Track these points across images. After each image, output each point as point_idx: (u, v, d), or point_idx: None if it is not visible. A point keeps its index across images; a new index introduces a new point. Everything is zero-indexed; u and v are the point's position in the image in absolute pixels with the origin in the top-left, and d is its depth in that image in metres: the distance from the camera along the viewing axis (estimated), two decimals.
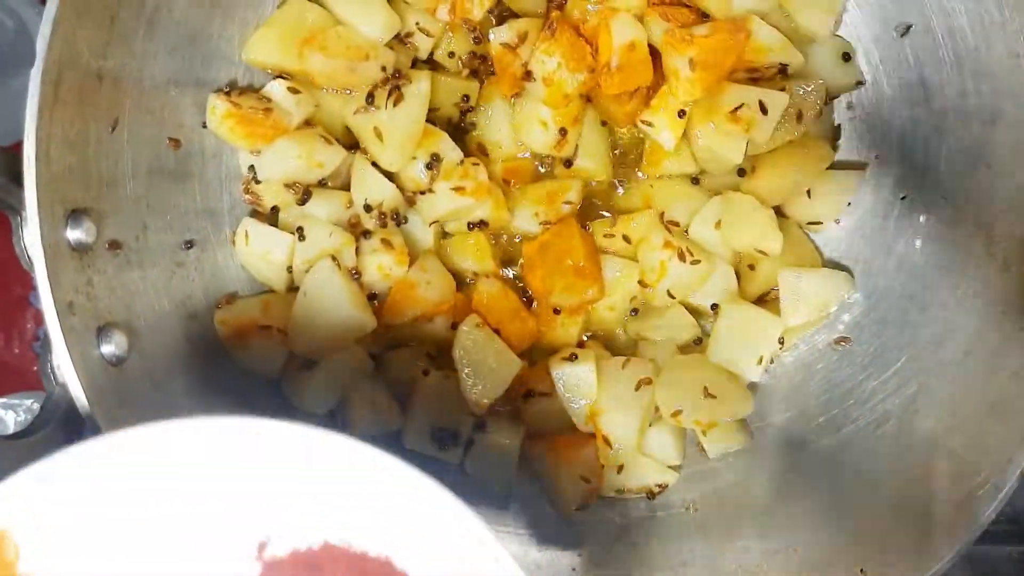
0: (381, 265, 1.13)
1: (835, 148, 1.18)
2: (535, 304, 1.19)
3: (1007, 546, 1.32)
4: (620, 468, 1.15)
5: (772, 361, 1.18)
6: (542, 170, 1.21)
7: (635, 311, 1.20)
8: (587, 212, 1.21)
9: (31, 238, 0.89)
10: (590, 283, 1.15)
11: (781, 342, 1.16)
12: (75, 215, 0.93)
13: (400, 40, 1.14)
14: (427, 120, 1.13)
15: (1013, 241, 1.03)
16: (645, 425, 1.14)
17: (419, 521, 0.73)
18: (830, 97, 1.16)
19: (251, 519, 0.74)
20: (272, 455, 0.73)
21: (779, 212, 1.17)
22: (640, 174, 1.20)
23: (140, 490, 0.74)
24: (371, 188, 1.12)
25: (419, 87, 1.11)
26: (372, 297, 1.15)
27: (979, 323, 1.04)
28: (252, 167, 1.11)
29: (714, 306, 1.17)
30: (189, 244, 1.08)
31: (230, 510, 0.74)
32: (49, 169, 0.89)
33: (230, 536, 0.75)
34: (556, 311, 1.17)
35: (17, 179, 0.90)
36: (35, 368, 1.38)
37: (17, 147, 0.88)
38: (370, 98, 1.10)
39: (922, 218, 1.12)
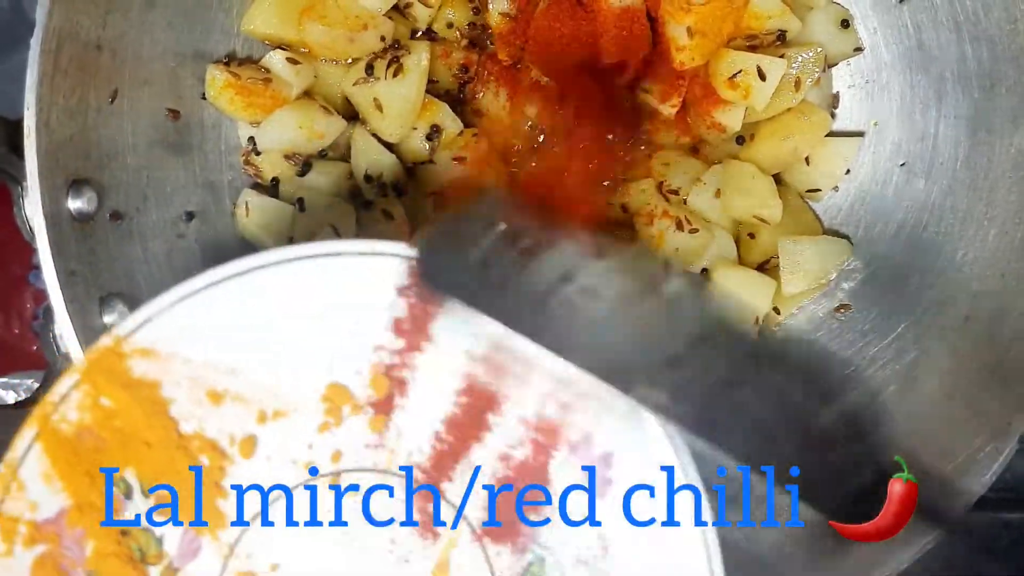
0: (381, 235, 1.13)
1: (833, 115, 1.18)
2: None
3: (1006, 514, 1.33)
4: None
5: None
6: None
7: None
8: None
9: (32, 207, 0.90)
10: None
11: (777, 312, 1.17)
12: (76, 185, 0.94)
13: (399, 11, 1.13)
14: (426, 91, 1.12)
15: (1011, 205, 1.03)
16: None
17: None
18: (829, 64, 1.15)
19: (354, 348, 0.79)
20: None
21: (778, 181, 1.16)
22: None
23: (259, 319, 0.80)
24: (371, 159, 1.11)
25: (419, 58, 1.10)
26: None
27: (979, 287, 1.04)
28: (252, 138, 1.11)
29: (704, 271, 1.17)
30: (190, 216, 1.08)
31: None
32: (50, 138, 0.90)
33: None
34: None
35: (18, 150, 0.90)
36: (34, 347, 1.38)
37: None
38: (369, 69, 1.10)
39: (921, 184, 1.12)
